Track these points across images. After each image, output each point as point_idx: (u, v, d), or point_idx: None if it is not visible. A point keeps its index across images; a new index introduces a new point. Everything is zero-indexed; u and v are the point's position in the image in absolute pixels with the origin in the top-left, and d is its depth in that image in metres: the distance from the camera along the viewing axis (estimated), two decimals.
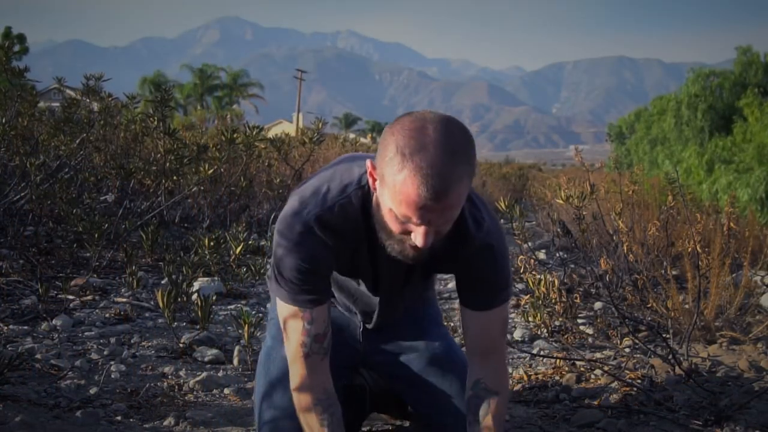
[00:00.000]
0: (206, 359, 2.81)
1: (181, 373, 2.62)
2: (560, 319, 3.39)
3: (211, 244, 4.37)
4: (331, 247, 1.54)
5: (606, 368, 2.59)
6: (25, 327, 3.03)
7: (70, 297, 3.58)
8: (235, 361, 2.81)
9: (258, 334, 3.02)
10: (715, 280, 3.08)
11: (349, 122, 59.71)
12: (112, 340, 2.98)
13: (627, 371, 2.57)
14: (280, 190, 6.70)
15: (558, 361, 2.79)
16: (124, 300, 3.65)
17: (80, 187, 5.40)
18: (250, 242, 5.37)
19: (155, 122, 5.57)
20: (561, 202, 3.20)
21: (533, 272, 3.31)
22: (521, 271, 3.33)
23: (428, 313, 1.96)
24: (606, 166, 5.70)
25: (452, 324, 3.24)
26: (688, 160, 18.55)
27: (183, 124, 13.63)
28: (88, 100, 5.88)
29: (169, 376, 2.58)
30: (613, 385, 2.44)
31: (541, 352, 3.04)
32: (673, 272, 3.51)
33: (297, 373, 1.57)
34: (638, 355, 2.82)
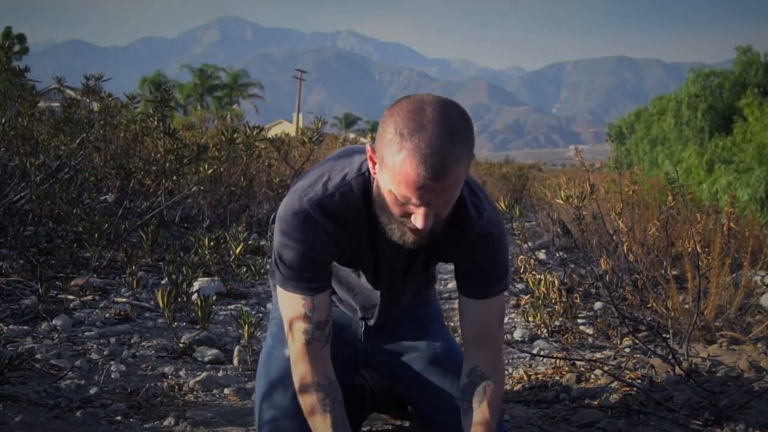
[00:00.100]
0: (206, 359, 2.81)
1: (181, 373, 2.62)
2: (560, 319, 3.39)
3: (211, 244, 4.37)
4: (331, 234, 1.54)
5: (606, 368, 2.59)
6: (25, 327, 3.03)
7: (70, 297, 3.59)
8: (235, 361, 2.81)
9: (258, 334, 3.02)
10: (715, 280, 3.08)
11: (349, 122, 59.72)
12: (112, 340, 2.98)
13: (627, 371, 2.57)
14: (280, 190, 6.70)
15: (558, 361, 2.79)
16: (124, 300, 3.65)
17: (80, 187, 5.40)
18: (250, 242, 5.37)
19: (155, 122, 5.57)
20: (561, 202, 3.20)
21: (533, 272, 3.31)
22: (521, 271, 3.33)
23: (429, 312, 1.96)
24: (606, 166, 5.70)
25: (452, 324, 3.24)
26: (688, 160, 18.56)
27: (183, 124, 13.64)
28: (88, 100, 5.88)
29: (169, 376, 2.58)
30: (613, 385, 2.44)
31: (541, 352, 3.04)
32: (673, 272, 3.51)
33: (298, 359, 1.57)
34: (638, 355, 2.82)
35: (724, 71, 22.18)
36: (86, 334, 3.03)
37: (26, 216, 4.81)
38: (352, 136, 17.24)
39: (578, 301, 3.46)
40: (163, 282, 3.98)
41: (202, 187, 5.92)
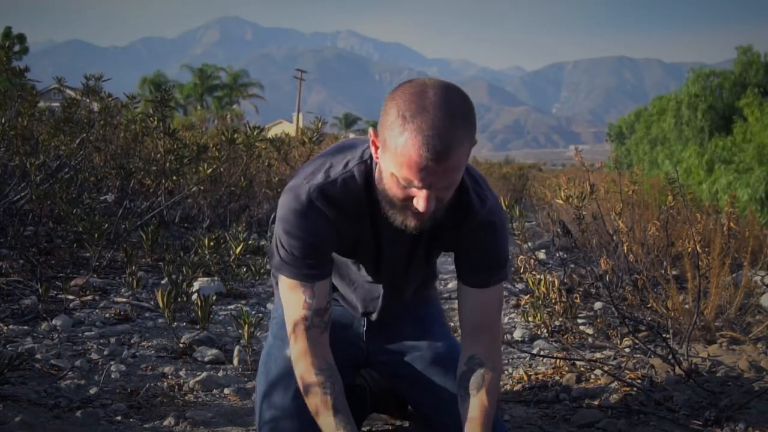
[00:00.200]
0: (206, 359, 2.81)
1: (181, 373, 2.62)
2: (560, 319, 3.39)
3: (211, 244, 4.37)
4: (333, 221, 1.54)
5: (606, 368, 2.59)
6: (25, 327, 3.03)
7: (70, 297, 3.59)
8: (235, 361, 2.80)
9: (258, 334, 3.02)
10: (715, 280, 3.08)
11: (349, 122, 59.71)
12: (112, 340, 2.98)
13: (627, 371, 2.57)
14: (280, 190, 6.69)
15: (558, 361, 2.79)
16: (124, 300, 3.65)
17: (80, 187, 5.40)
18: (250, 242, 5.37)
19: (155, 122, 5.57)
20: (561, 202, 3.20)
21: (533, 272, 3.31)
22: (521, 271, 3.33)
23: (430, 312, 1.95)
24: (606, 166, 5.70)
25: (453, 324, 3.24)
26: (688, 160, 18.55)
27: (183, 124, 13.64)
28: (88, 100, 5.88)
29: (169, 376, 2.58)
30: (613, 385, 2.44)
31: (541, 352, 3.04)
32: (673, 272, 3.51)
33: (298, 345, 1.58)
34: (638, 355, 2.82)
35: (724, 71, 22.18)
36: (86, 334, 3.03)
37: (26, 216, 4.81)
38: (352, 136, 17.27)
39: (578, 301, 3.46)
40: (163, 282, 3.98)
41: (202, 187, 5.92)
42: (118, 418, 2.14)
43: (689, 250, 3.00)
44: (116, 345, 2.90)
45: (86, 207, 5.01)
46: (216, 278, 4.21)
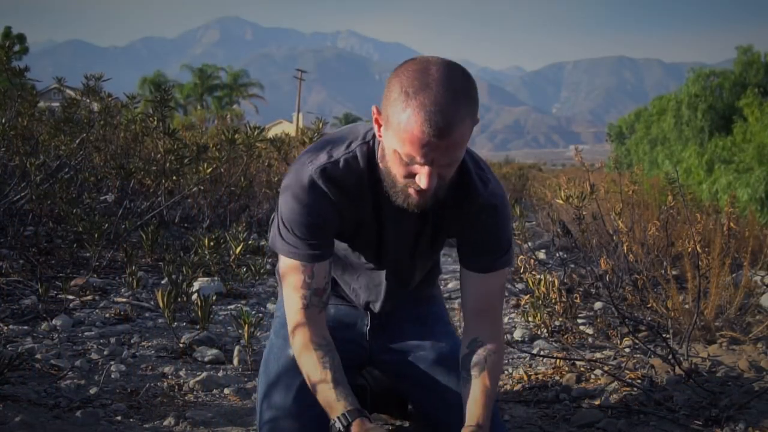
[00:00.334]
0: (206, 359, 2.81)
1: (181, 373, 2.62)
2: (560, 319, 3.39)
3: (211, 244, 4.37)
4: (335, 202, 1.55)
5: (606, 368, 2.59)
6: (25, 327, 3.03)
7: (70, 297, 3.59)
8: (235, 361, 2.80)
9: (258, 334, 3.02)
10: (715, 280, 3.08)
11: (348, 122, 59.68)
12: (112, 340, 2.98)
13: (627, 371, 2.57)
14: (280, 190, 6.69)
15: (558, 361, 2.79)
16: (124, 300, 3.65)
17: (80, 187, 5.40)
18: (250, 242, 5.37)
19: (155, 122, 5.57)
20: (561, 202, 3.20)
21: (533, 272, 3.31)
22: (521, 271, 3.33)
23: (434, 311, 1.95)
24: (606, 166, 5.70)
25: (453, 325, 3.24)
26: (688, 160, 18.57)
27: (183, 124, 13.64)
28: (88, 100, 5.88)
29: (169, 376, 2.58)
30: (613, 385, 2.44)
31: (541, 352, 3.04)
32: (673, 272, 3.51)
33: (295, 323, 1.59)
34: (638, 355, 2.82)
35: (724, 71, 22.19)
36: (86, 334, 3.03)
37: (26, 216, 4.81)
38: None
39: (578, 301, 3.46)
40: (163, 282, 3.98)
41: (202, 187, 5.92)
42: (118, 418, 2.14)
43: (689, 250, 3.00)
44: (116, 345, 2.90)
45: (86, 207, 5.01)
46: (216, 278, 4.21)
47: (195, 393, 2.44)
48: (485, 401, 1.54)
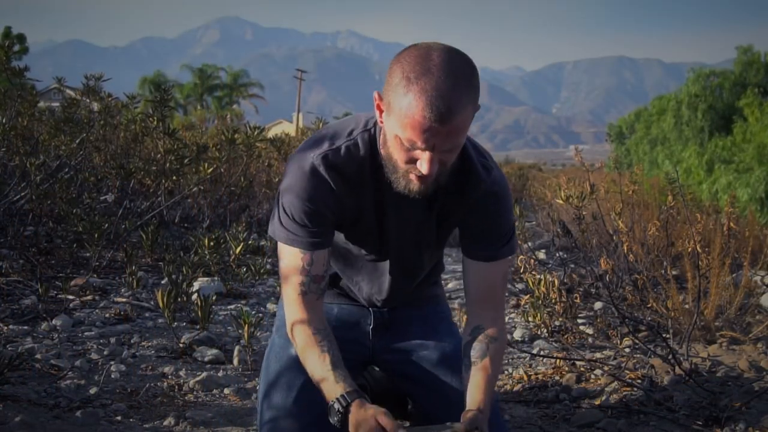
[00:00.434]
0: (206, 359, 2.81)
1: (181, 373, 2.62)
2: (560, 319, 3.39)
3: (211, 244, 4.37)
4: (336, 189, 1.55)
5: (606, 368, 2.59)
6: (25, 327, 3.03)
7: (70, 297, 3.59)
8: (235, 361, 2.81)
9: (258, 334, 3.02)
10: (715, 280, 3.08)
11: None
12: (112, 340, 2.98)
13: (627, 371, 2.57)
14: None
15: (558, 361, 2.79)
16: (124, 300, 3.65)
17: (80, 187, 5.40)
18: (250, 242, 5.37)
19: (155, 122, 5.57)
20: (561, 202, 3.20)
21: (533, 272, 3.31)
22: (521, 271, 3.33)
23: (437, 311, 1.95)
24: (606, 166, 5.70)
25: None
26: (688, 160, 18.57)
27: (183, 124, 13.65)
28: (88, 100, 5.89)
29: (169, 376, 2.58)
30: (613, 385, 2.44)
31: (541, 352, 3.04)
32: (673, 272, 3.51)
33: (294, 309, 1.59)
34: (638, 355, 2.82)
35: (724, 71, 22.20)
36: (86, 334, 3.03)
37: (26, 216, 4.81)
38: None
39: (578, 301, 3.46)
40: (163, 282, 3.98)
41: (202, 187, 5.92)
42: (118, 418, 2.14)
43: (689, 250, 3.00)
44: (116, 345, 2.91)
45: (86, 207, 5.01)
46: (216, 278, 4.21)
47: (195, 393, 2.44)
48: (486, 387, 1.55)
